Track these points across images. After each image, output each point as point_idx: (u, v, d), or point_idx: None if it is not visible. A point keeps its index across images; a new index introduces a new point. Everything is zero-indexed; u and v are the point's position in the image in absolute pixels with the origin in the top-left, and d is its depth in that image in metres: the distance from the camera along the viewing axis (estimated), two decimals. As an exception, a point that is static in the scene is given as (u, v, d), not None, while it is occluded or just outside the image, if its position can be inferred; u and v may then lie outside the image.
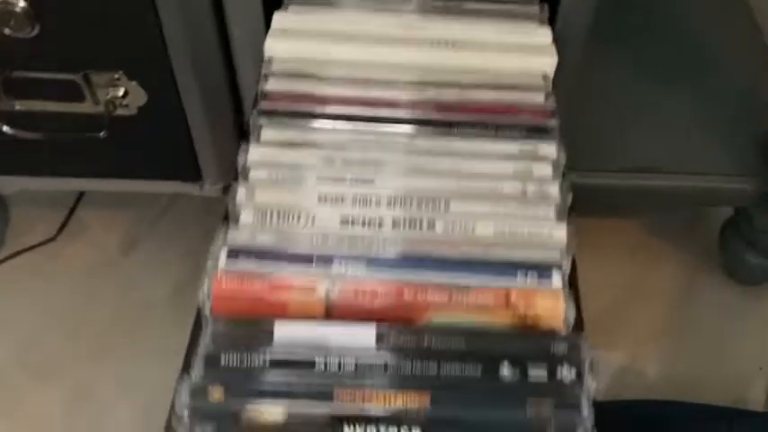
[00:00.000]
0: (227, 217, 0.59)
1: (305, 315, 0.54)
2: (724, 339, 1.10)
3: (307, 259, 0.56)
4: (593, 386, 0.51)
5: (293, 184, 0.61)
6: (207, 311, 0.54)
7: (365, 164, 0.62)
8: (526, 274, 0.56)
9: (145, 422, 0.98)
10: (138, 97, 0.88)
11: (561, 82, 0.72)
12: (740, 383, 1.06)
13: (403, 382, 0.50)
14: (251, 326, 0.52)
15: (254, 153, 0.62)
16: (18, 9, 0.77)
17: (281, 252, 0.56)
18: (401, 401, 0.49)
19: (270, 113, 0.65)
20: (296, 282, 0.54)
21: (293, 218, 0.59)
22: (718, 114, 1.07)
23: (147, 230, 1.18)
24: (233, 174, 0.69)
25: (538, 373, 0.51)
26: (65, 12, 0.79)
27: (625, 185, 1.02)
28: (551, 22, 0.74)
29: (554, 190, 0.61)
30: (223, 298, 0.54)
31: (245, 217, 0.58)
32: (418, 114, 0.66)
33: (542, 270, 0.56)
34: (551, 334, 0.54)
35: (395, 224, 0.58)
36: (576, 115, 0.84)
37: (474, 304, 0.54)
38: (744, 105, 1.09)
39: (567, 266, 0.57)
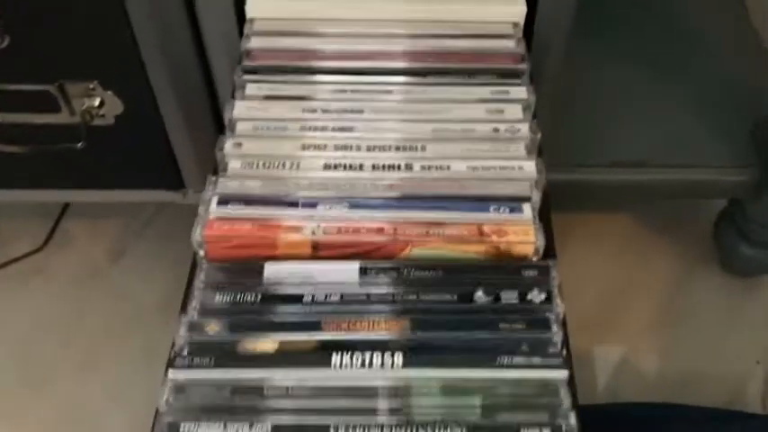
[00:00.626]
0: (216, 170, 0.62)
1: (293, 252, 0.58)
2: (721, 332, 1.08)
3: (293, 203, 0.60)
4: (561, 307, 0.54)
5: (278, 135, 0.64)
6: (200, 255, 0.58)
7: (345, 112, 0.65)
8: (498, 208, 0.60)
9: (137, 429, 0.97)
10: (115, 107, 0.87)
11: (545, 79, 0.77)
12: (738, 377, 1.05)
13: (385, 311, 0.54)
14: (242, 266, 0.56)
15: (239, 107, 0.66)
16: None
17: (268, 197, 0.60)
18: (384, 328, 0.53)
19: (252, 71, 0.68)
20: (284, 223, 0.58)
21: (279, 165, 0.62)
22: (709, 106, 1.06)
23: (134, 239, 1.18)
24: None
25: (509, 297, 0.55)
26: (34, 22, 0.78)
27: (616, 180, 1.02)
28: (531, 22, 0.76)
29: (524, 128, 0.65)
30: (215, 241, 0.57)
31: (233, 165, 0.62)
32: (394, 64, 0.69)
33: (513, 203, 0.60)
34: (522, 262, 0.57)
35: (374, 167, 0.62)
36: (565, 111, 0.88)
37: (450, 237, 0.58)
38: (733, 96, 1.08)
39: (537, 198, 0.61)
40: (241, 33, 0.74)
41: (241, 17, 0.75)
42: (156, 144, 0.93)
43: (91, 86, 0.85)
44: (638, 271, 1.13)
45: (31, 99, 0.86)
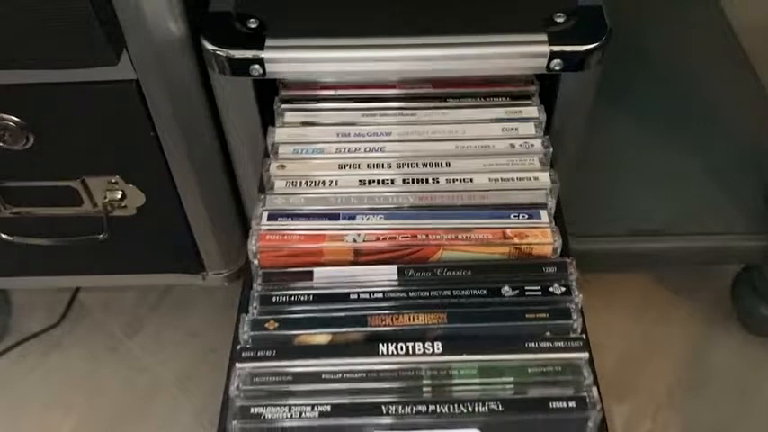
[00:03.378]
0: (263, 189, 0.69)
1: (337, 259, 0.65)
2: (743, 391, 1.05)
3: (334, 216, 0.67)
4: (580, 297, 0.61)
5: (316, 156, 0.71)
6: (255, 263, 0.65)
7: (375, 135, 0.73)
8: (518, 215, 0.67)
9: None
10: (137, 199, 0.87)
11: (565, 158, 0.80)
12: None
13: (423, 306, 0.61)
14: (294, 272, 0.63)
15: (279, 134, 0.73)
16: (12, 123, 0.77)
17: (312, 212, 0.67)
18: (423, 321, 0.60)
19: (288, 100, 0.75)
20: (328, 233, 0.65)
21: (319, 184, 0.69)
22: (724, 174, 1.06)
23: (150, 312, 1.15)
24: (237, 262, 0.82)
25: (533, 290, 0.62)
26: (57, 124, 0.79)
27: (634, 249, 1.01)
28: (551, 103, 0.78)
29: (537, 143, 0.72)
30: (268, 251, 0.64)
31: (279, 185, 0.69)
32: (417, 90, 0.77)
33: (532, 209, 0.67)
34: (543, 260, 0.64)
35: (405, 182, 0.69)
36: (581, 180, 0.91)
37: (476, 240, 0.65)
38: (747, 163, 1.07)
39: (552, 205, 0.68)
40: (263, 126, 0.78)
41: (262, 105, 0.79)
42: (176, 232, 0.92)
43: (113, 180, 0.85)
44: (658, 330, 1.12)
45: (53, 193, 0.86)
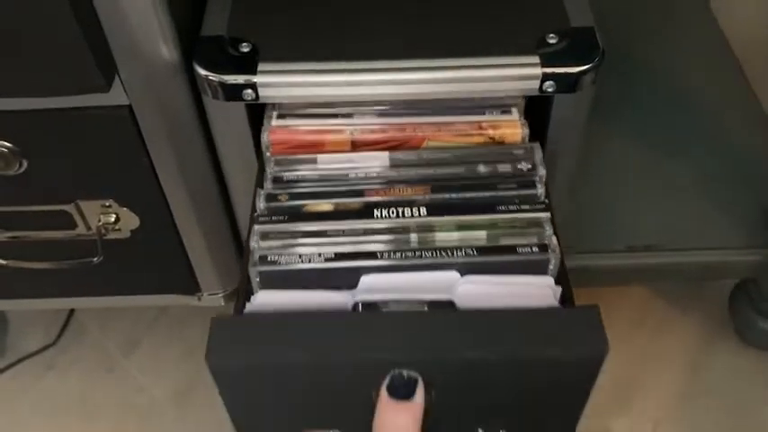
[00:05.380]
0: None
1: (337, 149, 0.76)
2: (743, 404, 1.06)
3: (333, 116, 0.78)
4: (543, 172, 0.72)
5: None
6: (267, 155, 0.76)
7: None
8: (492, 111, 0.78)
9: None
10: (131, 221, 0.87)
11: (561, 177, 0.83)
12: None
13: (410, 181, 0.72)
14: (301, 158, 0.74)
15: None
16: (4, 149, 0.77)
17: (314, 112, 0.78)
18: (411, 192, 0.71)
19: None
20: (329, 128, 0.76)
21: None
22: (720, 187, 1.06)
23: (147, 330, 1.15)
24: (232, 282, 0.86)
25: (504, 168, 0.73)
26: (50, 149, 0.78)
27: (630, 264, 1.01)
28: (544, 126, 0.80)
29: (510, 54, 0.83)
30: (278, 143, 0.76)
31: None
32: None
33: (504, 107, 0.78)
34: (513, 145, 0.76)
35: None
36: (580, 198, 0.94)
37: (456, 131, 0.76)
38: (744, 177, 1.08)
39: (521, 104, 0.79)
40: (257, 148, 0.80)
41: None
42: (171, 253, 0.92)
43: (107, 204, 0.85)
44: (655, 342, 1.12)
45: (47, 217, 0.85)
